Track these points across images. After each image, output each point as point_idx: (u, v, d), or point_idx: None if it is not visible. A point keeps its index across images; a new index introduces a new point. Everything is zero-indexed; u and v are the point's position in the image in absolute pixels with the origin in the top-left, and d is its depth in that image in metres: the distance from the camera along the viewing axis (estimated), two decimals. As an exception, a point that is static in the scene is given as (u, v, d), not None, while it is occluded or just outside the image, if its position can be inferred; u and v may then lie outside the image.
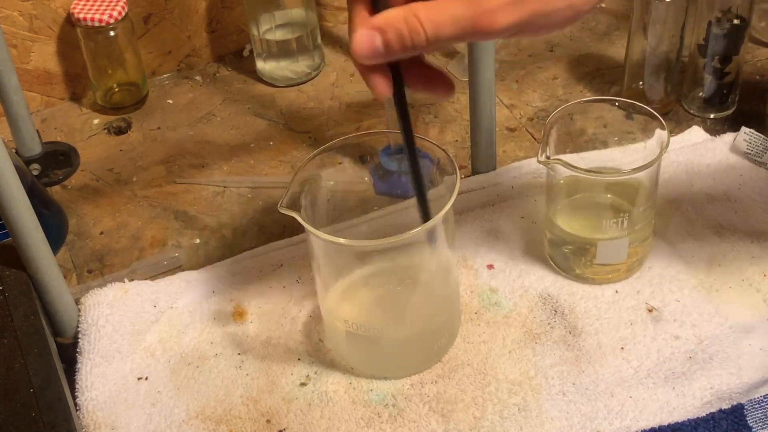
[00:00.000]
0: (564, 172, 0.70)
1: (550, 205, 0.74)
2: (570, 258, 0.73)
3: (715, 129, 0.90)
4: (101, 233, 0.87)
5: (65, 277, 0.76)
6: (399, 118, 0.57)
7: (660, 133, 0.70)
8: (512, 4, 0.50)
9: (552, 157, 0.69)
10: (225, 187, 0.91)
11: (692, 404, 0.64)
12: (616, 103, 0.74)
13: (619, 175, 0.70)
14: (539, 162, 0.69)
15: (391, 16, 0.51)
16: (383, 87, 0.54)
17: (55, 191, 0.92)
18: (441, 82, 0.57)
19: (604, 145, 0.90)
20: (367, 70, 0.53)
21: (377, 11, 0.52)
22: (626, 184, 0.73)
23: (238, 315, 0.75)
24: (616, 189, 0.73)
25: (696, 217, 0.78)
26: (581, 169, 0.68)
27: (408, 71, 0.55)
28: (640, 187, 0.72)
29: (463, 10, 0.50)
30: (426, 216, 0.61)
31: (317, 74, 1.04)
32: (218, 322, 0.74)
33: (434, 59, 1.05)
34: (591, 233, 0.72)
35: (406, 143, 0.58)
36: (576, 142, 0.83)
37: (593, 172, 0.69)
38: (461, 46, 1.06)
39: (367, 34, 0.51)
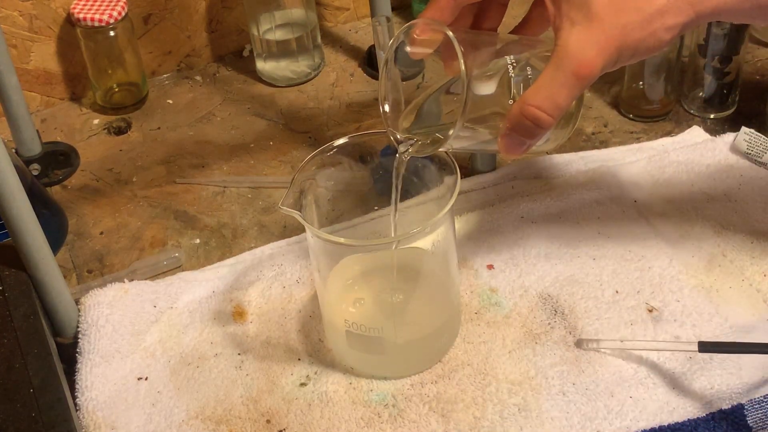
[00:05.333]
0: None
1: None
2: None
3: (715, 129, 0.90)
4: (101, 233, 0.87)
5: (65, 277, 0.76)
6: None
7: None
8: (598, 47, 0.56)
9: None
10: (225, 187, 0.91)
11: (692, 404, 0.64)
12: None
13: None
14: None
15: (510, 116, 0.58)
16: None
17: (55, 191, 0.92)
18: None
19: (605, 144, 0.90)
20: None
21: None
22: None
23: (238, 315, 0.75)
24: None
25: (696, 217, 0.78)
26: None
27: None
28: None
29: (562, 73, 0.56)
30: None
31: (317, 74, 1.04)
32: (218, 322, 0.74)
33: (433, 59, 1.05)
34: None
35: None
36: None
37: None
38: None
39: (506, 140, 0.60)
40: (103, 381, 0.70)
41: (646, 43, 0.57)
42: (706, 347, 0.64)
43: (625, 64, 0.59)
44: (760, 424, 0.62)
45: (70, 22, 0.98)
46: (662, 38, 0.57)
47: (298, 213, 0.63)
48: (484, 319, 0.72)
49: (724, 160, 0.83)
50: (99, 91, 1.01)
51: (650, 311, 0.71)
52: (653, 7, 0.56)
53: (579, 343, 0.69)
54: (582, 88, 0.57)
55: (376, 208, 0.74)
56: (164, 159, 0.95)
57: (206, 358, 0.71)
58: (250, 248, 0.82)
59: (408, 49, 0.62)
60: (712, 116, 0.92)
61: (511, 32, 0.66)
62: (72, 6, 0.96)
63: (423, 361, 0.69)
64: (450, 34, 0.57)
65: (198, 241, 0.85)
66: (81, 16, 0.95)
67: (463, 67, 0.56)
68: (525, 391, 0.66)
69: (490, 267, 0.76)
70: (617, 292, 0.73)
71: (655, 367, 0.67)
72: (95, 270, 0.83)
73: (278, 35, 1.01)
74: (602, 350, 0.68)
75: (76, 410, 0.68)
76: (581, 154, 0.87)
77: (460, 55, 0.56)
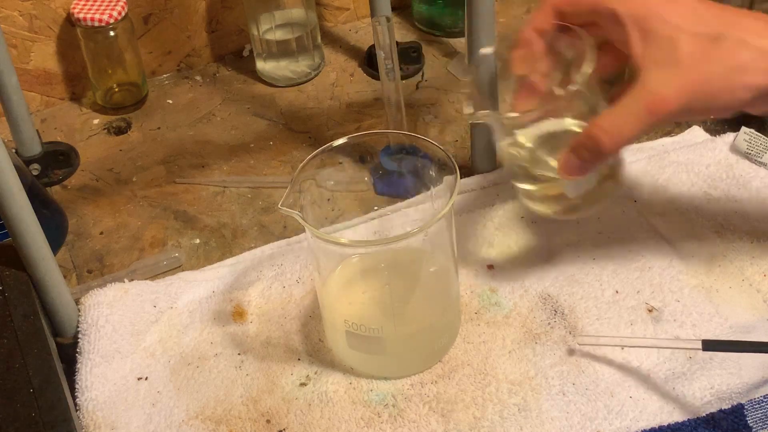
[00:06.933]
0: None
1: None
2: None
3: (715, 129, 0.90)
4: (101, 233, 0.87)
5: (65, 277, 0.76)
6: None
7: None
8: (677, 87, 0.57)
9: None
10: (225, 187, 0.91)
11: (692, 404, 0.64)
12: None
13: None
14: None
15: (579, 137, 0.60)
16: None
17: (55, 191, 0.92)
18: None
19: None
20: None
21: None
22: None
23: (238, 315, 0.75)
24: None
25: (696, 217, 0.78)
26: None
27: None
28: None
29: (635, 103, 0.58)
30: None
31: (317, 74, 1.04)
32: (218, 322, 0.74)
33: (433, 59, 1.05)
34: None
35: None
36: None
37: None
38: (460, 45, 1.06)
39: (566, 158, 0.61)
40: (103, 381, 0.70)
41: (723, 96, 0.57)
42: (710, 345, 0.64)
43: (695, 117, 0.59)
44: (760, 424, 0.62)
45: (70, 22, 0.98)
46: (740, 97, 0.58)
47: (298, 213, 0.63)
48: (484, 319, 0.72)
49: (724, 160, 0.83)
50: (99, 91, 1.01)
51: (650, 311, 0.71)
52: (735, 61, 0.57)
53: (581, 342, 0.69)
54: (650, 124, 0.58)
55: (376, 208, 0.74)
56: (164, 159, 0.95)
57: (206, 358, 0.71)
58: (250, 248, 0.82)
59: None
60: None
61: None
62: (72, 6, 0.96)
63: (423, 361, 0.69)
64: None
65: (198, 241, 0.85)
66: (81, 16, 0.95)
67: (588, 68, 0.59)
68: (525, 391, 0.66)
69: (490, 267, 0.76)
70: (617, 292, 0.73)
71: (655, 367, 0.67)
72: (95, 270, 0.83)
73: (278, 35, 1.01)
74: (602, 349, 0.68)
75: (76, 410, 0.68)
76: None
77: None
